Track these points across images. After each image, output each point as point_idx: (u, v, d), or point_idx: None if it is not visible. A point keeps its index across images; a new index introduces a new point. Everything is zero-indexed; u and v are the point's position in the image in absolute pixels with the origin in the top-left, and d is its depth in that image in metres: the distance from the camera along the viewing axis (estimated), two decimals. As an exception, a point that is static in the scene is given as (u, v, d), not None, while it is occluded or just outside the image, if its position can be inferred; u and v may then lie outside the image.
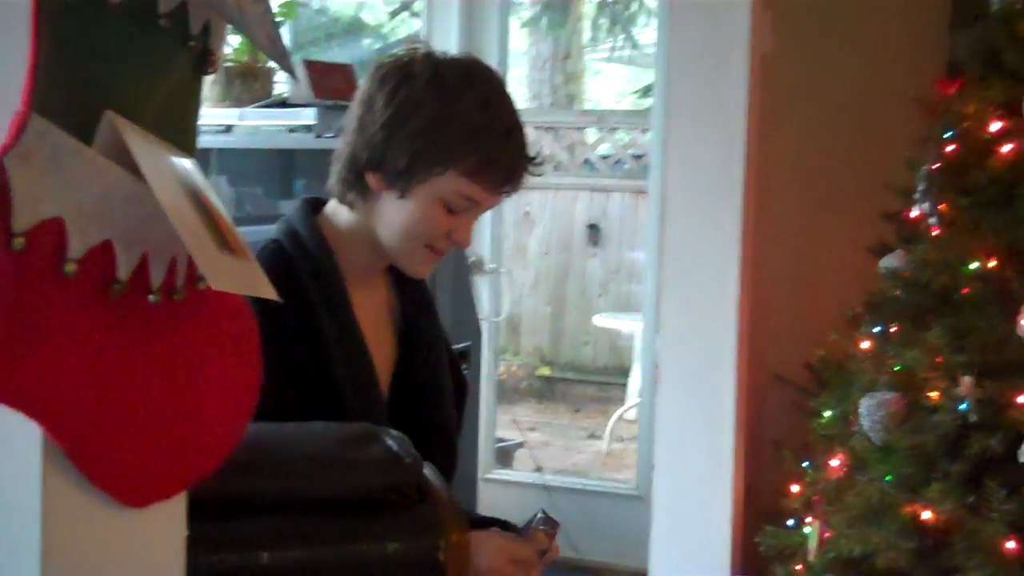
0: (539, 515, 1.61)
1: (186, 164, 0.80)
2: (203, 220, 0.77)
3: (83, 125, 0.71)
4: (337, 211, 1.66)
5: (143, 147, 0.74)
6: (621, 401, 6.13)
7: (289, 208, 1.73)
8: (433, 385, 1.73)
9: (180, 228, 0.72)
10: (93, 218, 0.72)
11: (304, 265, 1.60)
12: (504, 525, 1.67)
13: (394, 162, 1.56)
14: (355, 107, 1.62)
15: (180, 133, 0.81)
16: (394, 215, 1.59)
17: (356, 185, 1.61)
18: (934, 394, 2.22)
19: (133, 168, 0.72)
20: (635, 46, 8.71)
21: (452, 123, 1.54)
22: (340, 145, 1.64)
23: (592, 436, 6.21)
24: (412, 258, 1.63)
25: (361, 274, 1.66)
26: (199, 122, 0.86)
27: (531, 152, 1.62)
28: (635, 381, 5.73)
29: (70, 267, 0.71)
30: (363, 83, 1.62)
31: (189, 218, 0.75)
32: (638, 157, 6.80)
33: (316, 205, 1.69)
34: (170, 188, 0.75)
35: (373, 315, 1.68)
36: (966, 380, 2.15)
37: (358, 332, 1.61)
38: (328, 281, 1.61)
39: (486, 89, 1.59)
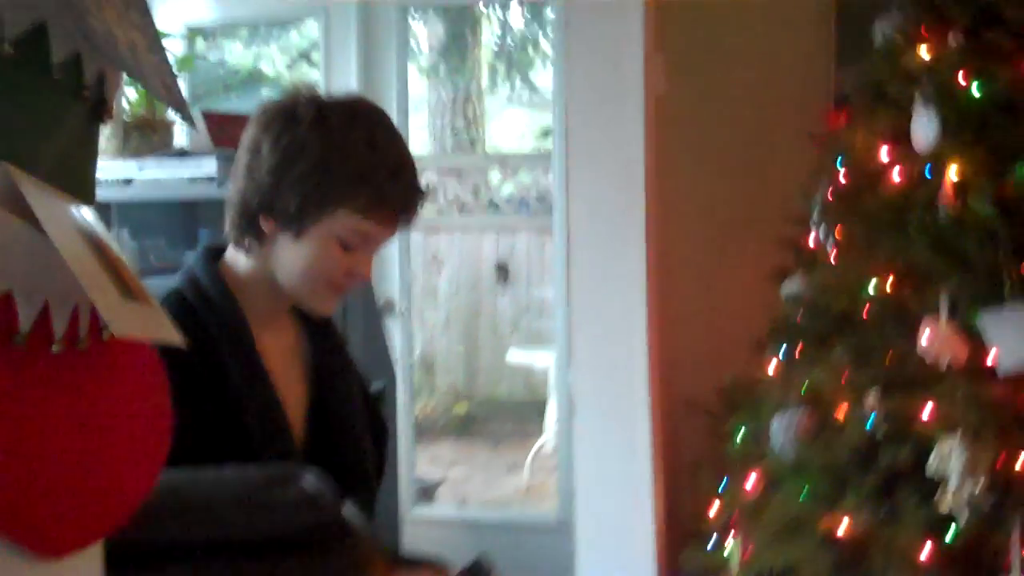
0: (478, 560, 1.61)
1: (85, 213, 0.79)
2: (104, 268, 0.77)
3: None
4: (236, 257, 1.65)
5: (40, 197, 0.73)
6: (539, 435, 6.15)
7: (190, 257, 1.72)
8: (347, 422, 1.72)
9: (81, 276, 0.72)
10: (-8, 269, 0.71)
11: (207, 313, 1.59)
12: (437, 562, 1.67)
13: (285, 206, 1.55)
14: (242, 153, 1.61)
15: (78, 183, 0.81)
16: (291, 257, 1.59)
17: (250, 230, 1.60)
18: (841, 411, 2.28)
19: (31, 218, 0.72)
20: (533, 90, 8.81)
21: (339, 163, 1.54)
22: (231, 191, 1.62)
23: (512, 470, 6.21)
24: (314, 298, 1.63)
25: (266, 318, 1.66)
26: (98, 173, 0.86)
27: (421, 184, 1.62)
28: (552, 414, 5.75)
29: (-31, 319, 0.70)
30: (249, 128, 1.61)
31: (89, 266, 0.74)
32: (541, 198, 6.86)
33: (217, 252, 1.68)
34: (69, 237, 0.74)
35: (282, 357, 1.67)
36: (871, 396, 2.21)
37: (265, 375, 1.61)
38: (232, 327, 1.59)
39: (371, 127, 1.58)
